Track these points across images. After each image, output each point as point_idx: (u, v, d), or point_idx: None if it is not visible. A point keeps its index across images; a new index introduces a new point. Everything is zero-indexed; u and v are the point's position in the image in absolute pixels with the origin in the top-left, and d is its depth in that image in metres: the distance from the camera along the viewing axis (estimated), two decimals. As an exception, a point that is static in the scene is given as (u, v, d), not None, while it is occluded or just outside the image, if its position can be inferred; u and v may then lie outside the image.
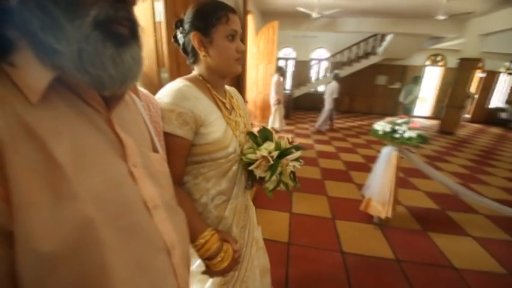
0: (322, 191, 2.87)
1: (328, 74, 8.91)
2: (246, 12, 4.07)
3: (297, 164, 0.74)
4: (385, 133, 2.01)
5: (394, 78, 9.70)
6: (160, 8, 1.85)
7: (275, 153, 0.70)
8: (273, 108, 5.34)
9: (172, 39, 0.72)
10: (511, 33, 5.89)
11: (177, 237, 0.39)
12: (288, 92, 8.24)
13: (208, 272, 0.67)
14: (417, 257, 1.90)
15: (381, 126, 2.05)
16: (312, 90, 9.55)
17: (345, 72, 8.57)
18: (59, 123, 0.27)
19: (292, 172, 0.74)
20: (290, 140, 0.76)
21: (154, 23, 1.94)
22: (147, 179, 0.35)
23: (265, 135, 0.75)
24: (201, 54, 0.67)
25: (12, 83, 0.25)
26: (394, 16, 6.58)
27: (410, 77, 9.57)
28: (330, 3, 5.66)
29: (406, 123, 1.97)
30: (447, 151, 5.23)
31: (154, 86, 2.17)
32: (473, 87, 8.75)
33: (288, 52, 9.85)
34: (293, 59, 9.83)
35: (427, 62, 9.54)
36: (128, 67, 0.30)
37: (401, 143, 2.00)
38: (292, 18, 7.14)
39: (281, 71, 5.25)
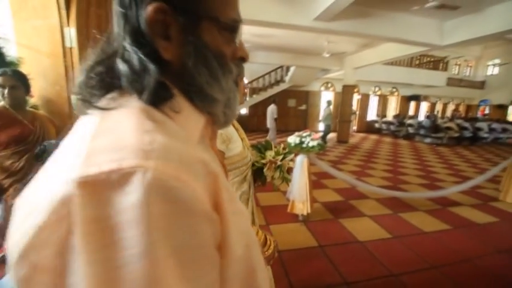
0: (255, 203, 3.10)
1: (247, 99, 9.78)
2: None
3: (292, 163, 1.06)
4: (296, 144, 2.47)
5: (301, 101, 11.55)
6: (72, 33, 1.78)
7: (280, 157, 1.00)
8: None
9: None
10: (372, 67, 8.22)
11: None
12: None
13: None
14: (333, 240, 2.34)
15: (292, 139, 2.51)
16: (235, 114, 10.18)
17: (261, 96, 9.64)
18: (209, 157, 0.31)
19: (288, 169, 1.06)
20: (283, 147, 1.08)
21: (64, 48, 1.83)
22: None
23: (266, 146, 1.04)
24: None
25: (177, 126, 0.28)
26: (294, 52, 8.07)
27: (312, 100, 11.63)
28: (242, 38, 6.45)
29: (309, 135, 2.48)
30: (344, 155, 6.55)
31: (64, 114, 1.94)
32: (355, 106, 11.40)
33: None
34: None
35: (322, 88, 11.89)
36: None
37: (308, 151, 2.50)
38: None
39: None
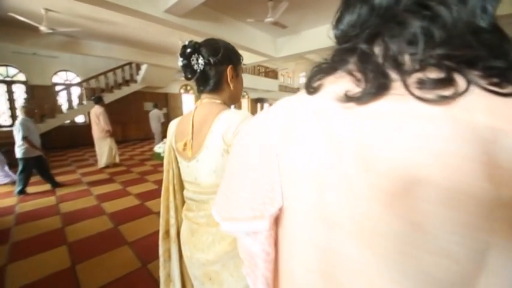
0: (119, 242, 2.30)
1: (85, 102, 7.55)
2: None
3: None
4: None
5: (160, 104, 10.51)
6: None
7: None
8: (104, 142, 4.88)
9: (182, 62, 0.76)
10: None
11: None
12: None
13: None
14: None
15: (161, 148, 2.03)
16: (67, 122, 7.61)
17: (107, 99, 7.79)
18: None
19: None
20: None
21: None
22: None
23: None
24: (231, 85, 0.80)
25: None
26: (144, 48, 7.08)
27: (173, 103, 10.96)
28: (63, 19, 4.77)
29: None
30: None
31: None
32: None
33: (11, 73, 6.99)
34: (22, 82, 7.14)
35: (182, 91, 11.50)
36: None
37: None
38: (8, 27, 5.12)
39: (102, 101, 5.09)
